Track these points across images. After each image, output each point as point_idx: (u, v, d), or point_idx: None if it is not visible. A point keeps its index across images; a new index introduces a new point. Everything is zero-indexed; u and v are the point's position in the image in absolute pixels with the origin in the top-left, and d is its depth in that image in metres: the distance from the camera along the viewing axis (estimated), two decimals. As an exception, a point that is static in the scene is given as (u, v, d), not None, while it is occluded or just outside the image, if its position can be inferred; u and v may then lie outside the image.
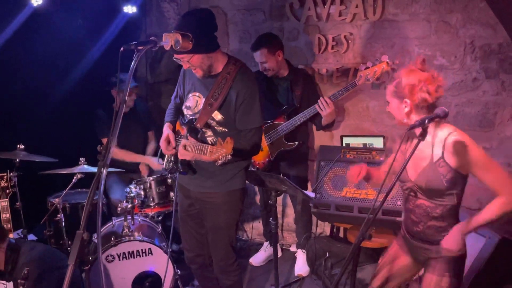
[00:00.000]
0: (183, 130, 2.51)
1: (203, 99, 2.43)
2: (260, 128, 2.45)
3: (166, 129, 2.52)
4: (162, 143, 2.49)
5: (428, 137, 1.95)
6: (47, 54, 3.64)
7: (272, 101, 3.51)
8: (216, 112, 2.39)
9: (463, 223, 1.99)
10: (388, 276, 2.26)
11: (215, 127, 2.43)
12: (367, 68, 3.18)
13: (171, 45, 2.06)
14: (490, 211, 1.92)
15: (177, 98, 2.68)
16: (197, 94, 2.48)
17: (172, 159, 2.55)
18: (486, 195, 3.34)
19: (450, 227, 2.01)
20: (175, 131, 2.56)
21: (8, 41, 3.38)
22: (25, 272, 2.26)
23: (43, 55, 3.63)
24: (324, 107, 3.23)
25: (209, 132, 2.46)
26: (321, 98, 3.26)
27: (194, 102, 2.49)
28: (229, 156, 2.08)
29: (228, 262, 2.63)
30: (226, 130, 2.43)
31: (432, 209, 2.03)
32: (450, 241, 1.98)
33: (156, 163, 3.66)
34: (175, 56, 2.30)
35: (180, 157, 2.37)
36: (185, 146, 2.30)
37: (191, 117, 2.49)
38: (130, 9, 3.95)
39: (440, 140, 1.95)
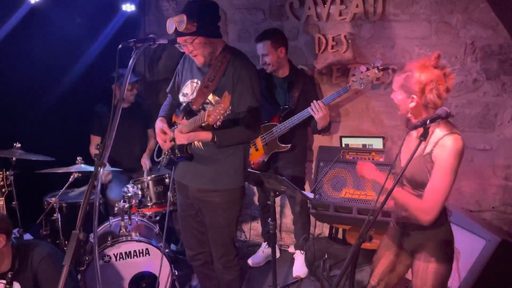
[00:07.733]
0: (179, 119, 2.46)
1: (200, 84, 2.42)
2: (257, 109, 2.40)
3: (159, 123, 2.50)
4: (159, 135, 2.45)
5: None
6: (45, 52, 3.61)
7: (270, 101, 3.48)
8: (212, 95, 2.36)
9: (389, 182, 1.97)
10: (384, 270, 2.24)
11: None
12: (360, 72, 3.15)
13: (175, 28, 2.11)
14: (408, 200, 1.95)
15: (175, 87, 2.65)
16: (195, 80, 2.47)
17: (169, 151, 2.51)
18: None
19: None
20: (170, 124, 2.53)
21: (5, 39, 3.36)
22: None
23: (41, 53, 3.60)
24: (317, 110, 3.19)
25: None
26: (314, 101, 3.21)
27: (191, 88, 2.47)
28: (229, 111, 2.03)
29: (228, 258, 2.62)
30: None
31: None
32: (366, 171, 2.06)
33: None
34: (178, 39, 2.28)
35: (178, 142, 2.34)
36: (181, 130, 2.26)
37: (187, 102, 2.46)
38: (128, 7, 3.92)
39: (436, 138, 1.92)
